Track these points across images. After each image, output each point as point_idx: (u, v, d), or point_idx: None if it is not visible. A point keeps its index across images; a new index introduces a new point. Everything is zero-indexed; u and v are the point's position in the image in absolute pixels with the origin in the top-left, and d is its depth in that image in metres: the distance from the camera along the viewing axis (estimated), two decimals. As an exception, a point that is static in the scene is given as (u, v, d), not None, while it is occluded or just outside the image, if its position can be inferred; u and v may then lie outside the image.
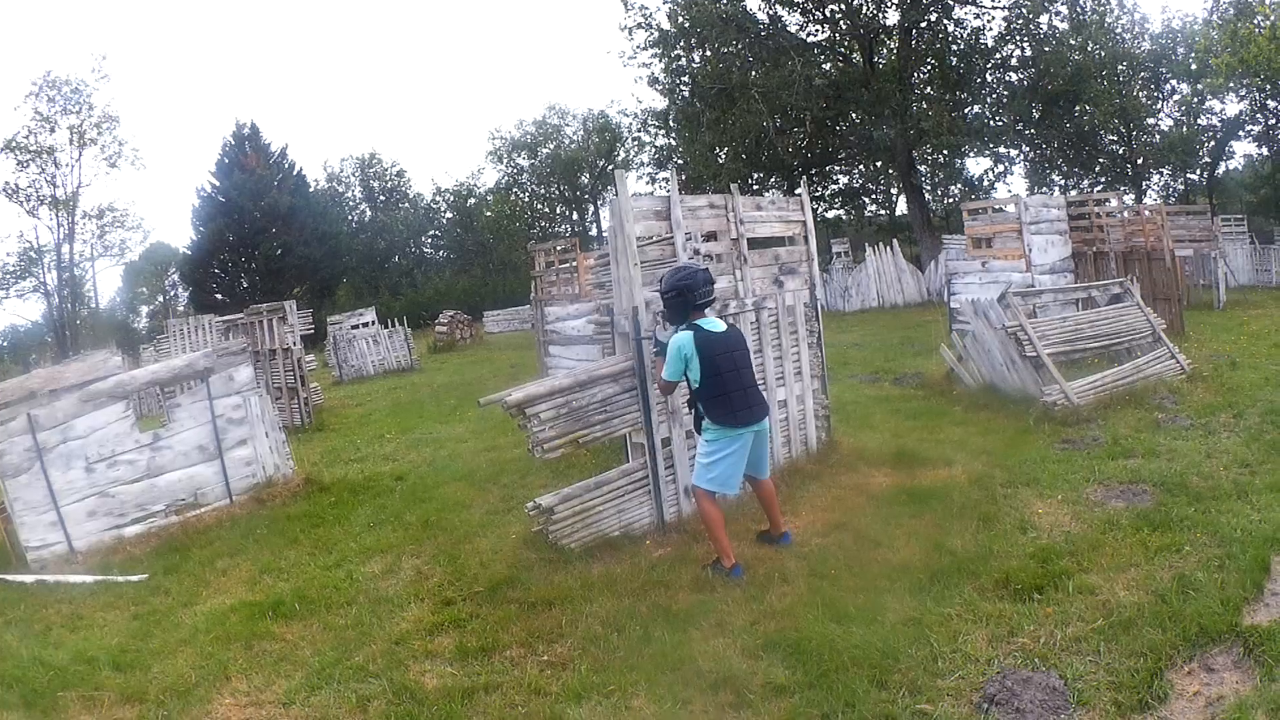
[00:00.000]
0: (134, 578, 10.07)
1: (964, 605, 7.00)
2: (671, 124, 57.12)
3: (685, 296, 8.44)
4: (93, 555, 11.15)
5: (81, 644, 8.18)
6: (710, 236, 10.82)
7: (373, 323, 39.06)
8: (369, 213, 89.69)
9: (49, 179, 66.58)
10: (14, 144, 64.25)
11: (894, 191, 68.07)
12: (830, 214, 63.96)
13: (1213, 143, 57.75)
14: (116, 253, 76.03)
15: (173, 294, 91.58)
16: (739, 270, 10.90)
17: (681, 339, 8.38)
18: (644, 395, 9.53)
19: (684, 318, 8.53)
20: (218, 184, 70.78)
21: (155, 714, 6.68)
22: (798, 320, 11.56)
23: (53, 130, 65.77)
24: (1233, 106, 55.46)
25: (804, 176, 53.03)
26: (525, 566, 8.83)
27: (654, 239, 10.02)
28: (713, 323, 8.58)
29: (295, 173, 74.46)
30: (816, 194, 59.53)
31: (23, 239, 70.07)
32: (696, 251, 10.38)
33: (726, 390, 8.32)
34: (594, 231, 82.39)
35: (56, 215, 67.74)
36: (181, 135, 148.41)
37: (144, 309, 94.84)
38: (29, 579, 10.30)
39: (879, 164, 60.24)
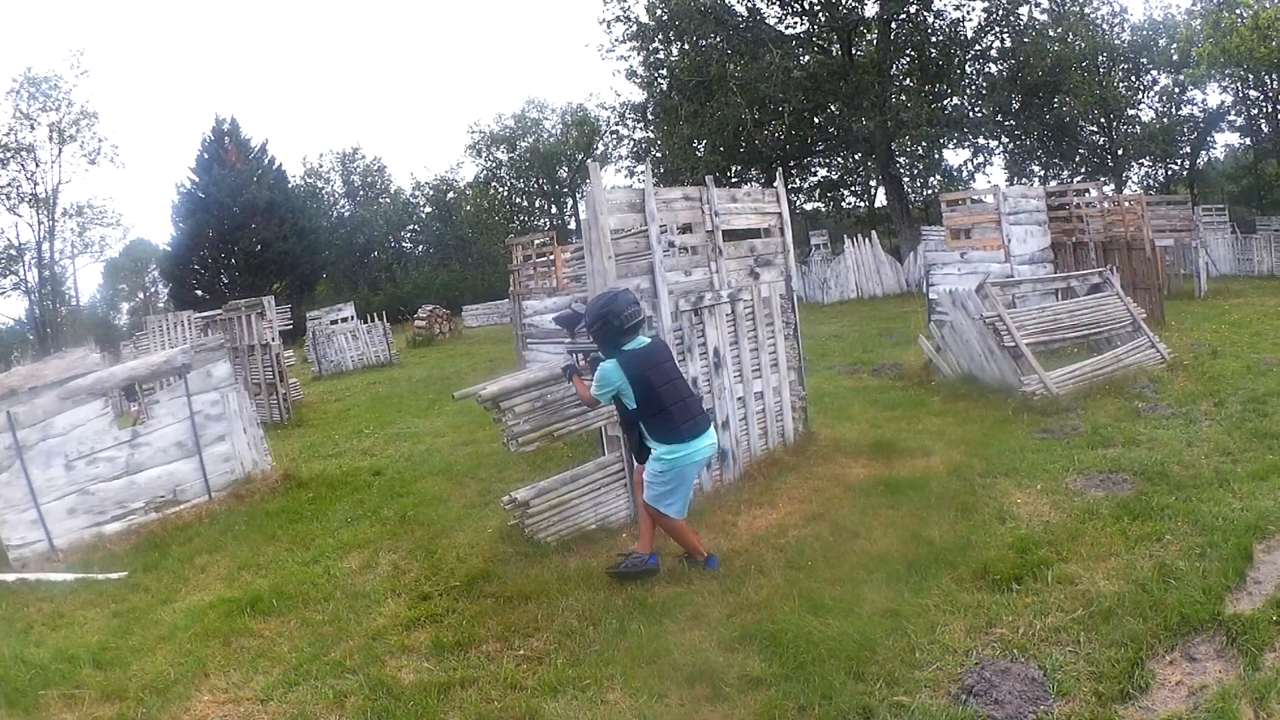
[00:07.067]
0: (114, 575, 10.05)
1: (942, 596, 7.02)
2: (650, 117, 57.36)
3: (610, 323, 8.04)
4: (73, 553, 11.11)
5: (62, 642, 8.17)
6: (685, 229, 10.80)
7: (351, 318, 39.12)
8: (348, 208, 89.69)
9: (29, 176, 66.58)
10: (-5, 143, 64.20)
11: (873, 183, 68.26)
12: (809, 206, 64.15)
13: (1194, 134, 57.88)
14: (96, 250, 76.11)
15: (153, 291, 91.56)
16: (714, 262, 10.86)
17: (606, 369, 8.00)
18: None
19: (615, 345, 8.09)
20: (197, 180, 70.71)
21: (135, 711, 6.68)
22: (774, 312, 11.54)
23: (33, 128, 65.82)
24: (1214, 97, 55.76)
25: (782, 169, 53.12)
26: (501, 561, 8.84)
27: (629, 232, 9.98)
28: (636, 340, 8.18)
29: (275, 168, 74.43)
30: (795, 186, 59.71)
31: (3, 237, 69.85)
32: (671, 244, 10.37)
33: (664, 405, 7.95)
34: (572, 225, 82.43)
35: (37, 213, 67.75)
36: (161, 132, 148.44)
37: (124, 306, 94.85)
38: (10, 577, 10.27)
39: (858, 156, 60.51)
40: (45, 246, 69.36)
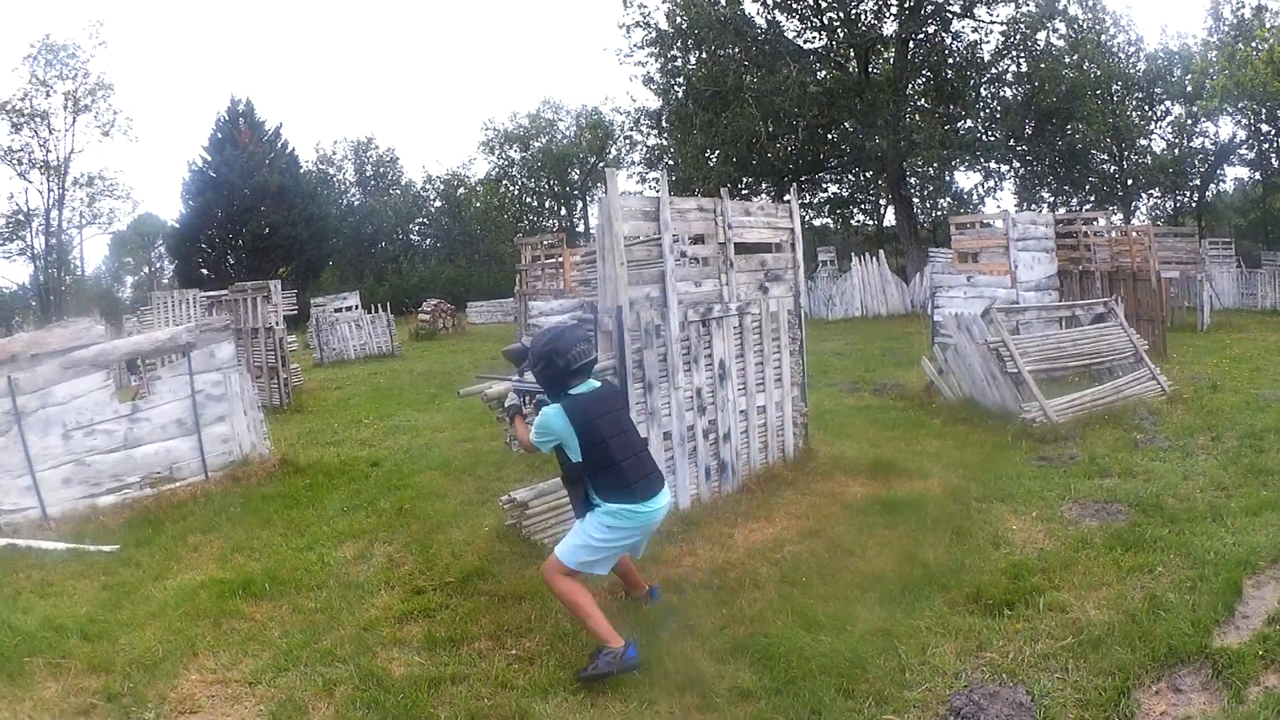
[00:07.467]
0: (106, 548, 10.06)
1: (934, 618, 7.05)
2: (664, 124, 57.25)
3: (554, 363, 6.98)
4: (66, 523, 11.15)
5: (51, 611, 8.20)
6: (697, 239, 10.80)
7: (356, 307, 39.10)
8: (358, 197, 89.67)
9: (42, 143, 66.81)
10: (9, 107, 64.37)
11: (882, 202, 68.32)
12: (818, 222, 64.18)
13: (1205, 166, 57.88)
14: (105, 221, 76.22)
15: (159, 266, 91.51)
16: (725, 274, 10.88)
17: (549, 416, 6.92)
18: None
19: (560, 388, 7.04)
20: (209, 159, 70.77)
21: (121, 685, 6.70)
22: (780, 327, 11.56)
23: (48, 95, 66.04)
24: (1226, 129, 55.79)
25: (794, 183, 53.20)
26: (497, 559, 8.85)
27: (641, 239, 9.99)
28: (584, 383, 7.14)
29: (287, 152, 74.46)
30: (805, 201, 59.77)
31: (13, 201, 70.03)
32: (683, 254, 10.38)
33: (614, 459, 6.83)
34: (581, 228, 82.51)
35: (47, 180, 67.93)
36: (175, 107, 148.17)
37: (129, 279, 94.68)
38: (0, 542, 10.30)
39: (869, 174, 60.56)
40: (54, 214, 69.59)
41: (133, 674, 6.86)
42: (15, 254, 70.66)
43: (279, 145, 73.92)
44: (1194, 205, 61.55)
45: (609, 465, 6.81)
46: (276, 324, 23.00)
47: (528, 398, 7.72)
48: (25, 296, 72.49)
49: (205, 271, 67.29)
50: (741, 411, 11.00)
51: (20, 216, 68.83)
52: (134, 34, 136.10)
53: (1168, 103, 55.62)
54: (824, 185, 64.33)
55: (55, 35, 68.34)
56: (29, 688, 6.72)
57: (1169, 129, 57.64)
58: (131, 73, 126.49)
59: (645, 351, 9.77)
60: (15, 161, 66.22)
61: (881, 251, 45.72)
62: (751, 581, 8.00)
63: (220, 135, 71.22)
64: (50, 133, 66.76)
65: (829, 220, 66.65)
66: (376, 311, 37.77)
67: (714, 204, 10.89)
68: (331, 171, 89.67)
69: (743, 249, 11.24)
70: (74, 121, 67.37)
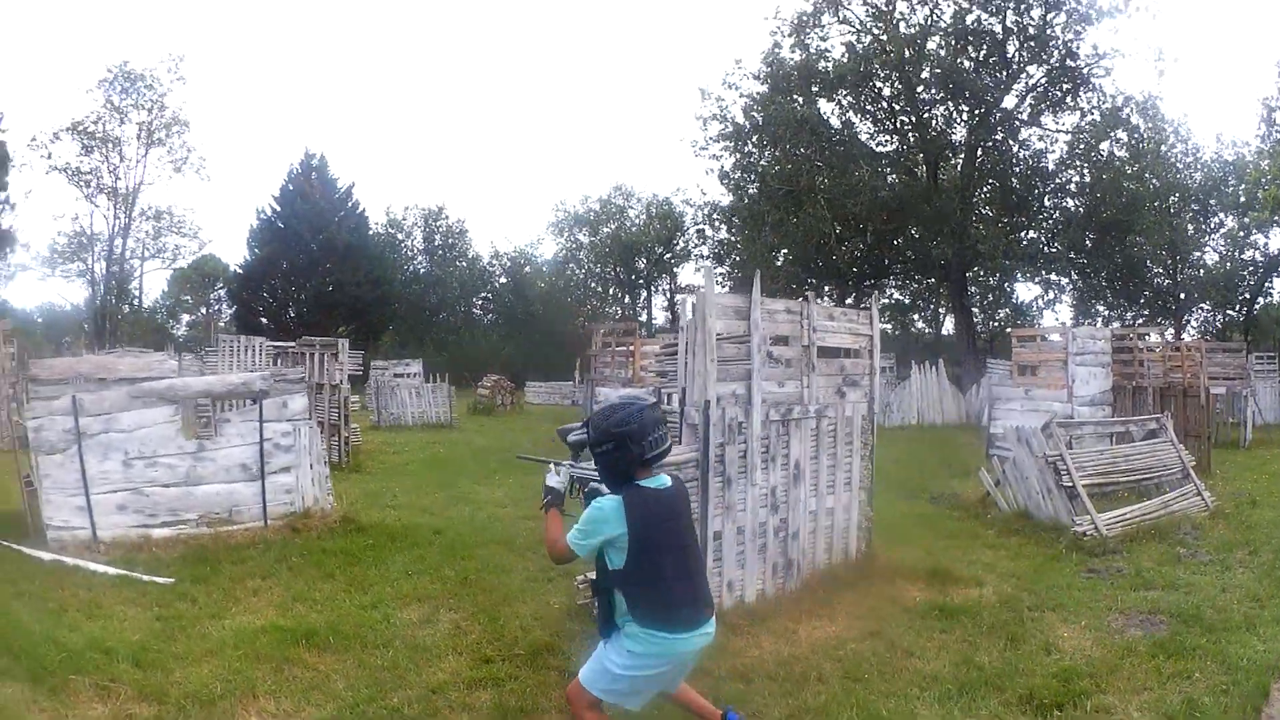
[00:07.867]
0: (160, 579, 10.29)
1: (989, 717, 7.21)
2: (735, 220, 57.46)
3: (627, 448, 5.54)
4: (116, 548, 11.44)
5: (99, 633, 8.39)
6: (780, 340, 10.94)
7: (417, 374, 39.49)
8: (425, 265, 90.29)
9: (111, 169, 68.08)
10: (81, 128, 65.39)
11: (942, 310, 68.31)
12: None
13: (1254, 279, 57.55)
14: (169, 257, 77.45)
15: (216, 308, 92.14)
16: (807, 377, 11.02)
17: (606, 510, 5.53)
18: (704, 486, 9.61)
19: (626, 480, 5.60)
20: (279, 209, 71.70)
21: (175, 717, 6.82)
22: (854, 431, 11.65)
23: (122, 122, 67.23)
24: (1276, 240, 55.23)
25: (863, 287, 53.56)
26: (568, 637, 8.91)
27: (730, 337, 10.18)
28: (654, 478, 5.71)
29: (358, 212, 75.27)
30: (866, 306, 60.02)
31: (77, 222, 71.19)
32: (770, 355, 10.55)
33: (663, 576, 5.54)
34: (644, 317, 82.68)
35: (114, 207, 69.07)
36: (247, 151, 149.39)
37: (185, 317, 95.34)
38: (46, 556, 10.57)
39: (931, 281, 60.59)
40: (117, 242, 70.66)
41: (188, 708, 6.97)
42: (75, 275, 71.80)
43: (349, 204, 74.75)
44: (1241, 319, 61.13)
45: (656, 583, 5.53)
46: (341, 382, 23.30)
47: (579, 485, 6.32)
48: (79, 317, 73.34)
49: (265, 320, 67.97)
50: (811, 512, 11.05)
51: (83, 239, 69.89)
52: (213, 74, 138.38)
53: (1221, 214, 55.52)
54: (887, 291, 64.53)
55: (133, 64, 69.52)
56: (73, 705, 6.89)
57: (1222, 241, 57.46)
58: (207, 110, 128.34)
59: (728, 447, 9.84)
60: (82, 183, 67.34)
61: (941, 360, 45.62)
62: (816, 675, 8.10)
63: (291, 187, 72.04)
64: (121, 160, 68.10)
65: (888, 325, 66.70)
66: (437, 381, 38.14)
67: (800, 306, 11.09)
68: (400, 236, 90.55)
69: (823, 353, 11.44)
70: (146, 153, 68.72)
